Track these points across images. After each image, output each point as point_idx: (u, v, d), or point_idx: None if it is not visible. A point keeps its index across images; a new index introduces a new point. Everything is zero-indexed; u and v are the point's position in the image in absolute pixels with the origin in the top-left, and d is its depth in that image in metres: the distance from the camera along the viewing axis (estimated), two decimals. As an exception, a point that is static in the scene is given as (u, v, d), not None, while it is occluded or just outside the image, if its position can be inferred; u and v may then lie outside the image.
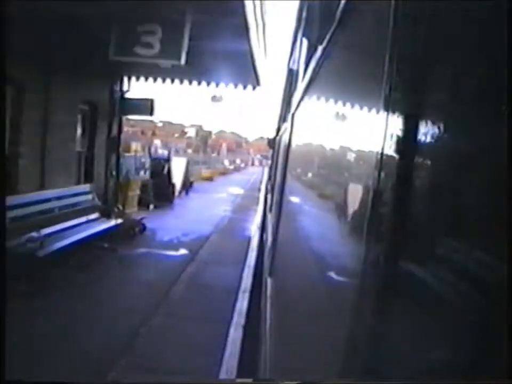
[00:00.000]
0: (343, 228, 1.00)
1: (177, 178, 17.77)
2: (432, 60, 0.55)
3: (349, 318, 0.68)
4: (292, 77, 4.71)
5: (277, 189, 4.63)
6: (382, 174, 0.62)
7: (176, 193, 17.57)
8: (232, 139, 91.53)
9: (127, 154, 19.57)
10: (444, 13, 0.53)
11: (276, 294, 2.53)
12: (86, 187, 8.26)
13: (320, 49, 1.69)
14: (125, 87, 9.88)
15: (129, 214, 9.41)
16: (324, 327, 1.00)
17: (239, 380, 2.61)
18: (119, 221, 8.19)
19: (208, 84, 9.38)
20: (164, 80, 9.50)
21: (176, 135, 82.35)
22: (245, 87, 9.23)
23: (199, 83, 9.37)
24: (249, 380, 2.10)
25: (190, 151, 62.72)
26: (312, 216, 1.76)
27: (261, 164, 66.13)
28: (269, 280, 3.10)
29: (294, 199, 2.78)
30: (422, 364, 0.48)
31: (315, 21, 2.55)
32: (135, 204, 9.72)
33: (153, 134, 68.43)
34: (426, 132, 0.51)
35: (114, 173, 9.70)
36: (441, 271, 0.47)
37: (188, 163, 19.58)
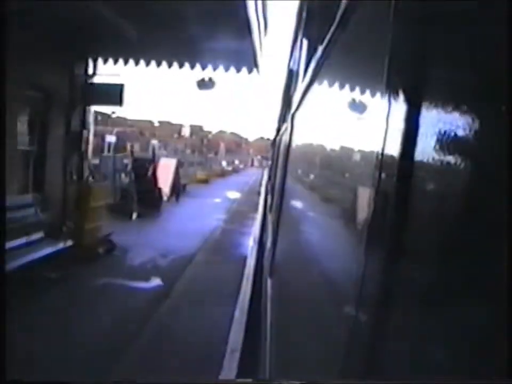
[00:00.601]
0: (343, 227, 0.99)
1: (166, 182, 15.85)
2: (433, 60, 0.55)
3: (349, 318, 0.68)
4: (291, 77, 4.66)
5: (277, 189, 4.54)
6: (382, 175, 0.62)
7: (165, 198, 15.65)
8: (231, 139, 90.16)
9: (104, 154, 17.74)
10: (444, 12, 0.53)
11: (276, 295, 2.52)
12: (26, 198, 6.31)
13: (320, 49, 1.68)
14: (90, 71, 7.93)
15: (93, 230, 7.45)
16: (324, 327, 1.00)
17: (239, 380, 2.42)
18: (69, 242, 6.24)
19: (193, 66, 7.41)
20: (137, 62, 7.56)
21: (176, 135, 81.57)
22: (238, 70, 7.25)
23: (181, 65, 7.42)
24: (249, 380, 1.98)
25: (188, 151, 61.31)
26: (311, 216, 1.76)
27: (261, 164, 64.72)
28: (269, 281, 3.09)
29: (294, 199, 2.72)
30: (422, 364, 0.47)
31: (315, 21, 2.55)
32: (100, 216, 7.75)
33: (153, 134, 67.55)
34: (428, 132, 0.51)
35: (75, 177, 7.74)
36: (441, 272, 0.46)
37: (179, 164, 17.62)
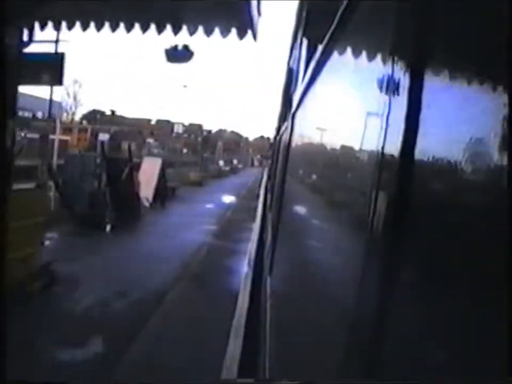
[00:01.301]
0: (343, 226, 1.00)
1: (149, 185, 13.68)
2: (435, 60, 0.54)
3: (349, 317, 0.69)
4: (291, 76, 4.62)
5: (277, 187, 4.62)
6: (383, 173, 0.62)
7: (146, 204, 13.49)
8: (230, 138, 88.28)
9: (72, 152, 15.62)
10: (445, 11, 0.52)
11: (276, 293, 2.56)
12: None
13: (320, 48, 1.70)
14: (24, 37, 5.77)
15: (23, 259, 5.28)
16: (324, 326, 1.01)
17: (239, 380, 2.40)
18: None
19: (161, 29, 5.24)
20: (85, 26, 5.41)
21: (174, 134, 79.96)
22: (224, 34, 5.06)
23: (146, 28, 5.26)
24: (250, 380, 1.98)
25: (185, 150, 59.38)
26: (311, 215, 1.78)
27: (261, 164, 62.68)
28: (268, 279, 3.11)
29: (293, 198, 2.70)
30: (422, 364, 0.47)
31: (315, 20, 2.60)
32: (35, 239, 5.60)
33: (152, 133, 65.93)
34: (429, 132, 0.51)
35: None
36: (441, 272, 0.46)
37: (165, 164, 15.42)
